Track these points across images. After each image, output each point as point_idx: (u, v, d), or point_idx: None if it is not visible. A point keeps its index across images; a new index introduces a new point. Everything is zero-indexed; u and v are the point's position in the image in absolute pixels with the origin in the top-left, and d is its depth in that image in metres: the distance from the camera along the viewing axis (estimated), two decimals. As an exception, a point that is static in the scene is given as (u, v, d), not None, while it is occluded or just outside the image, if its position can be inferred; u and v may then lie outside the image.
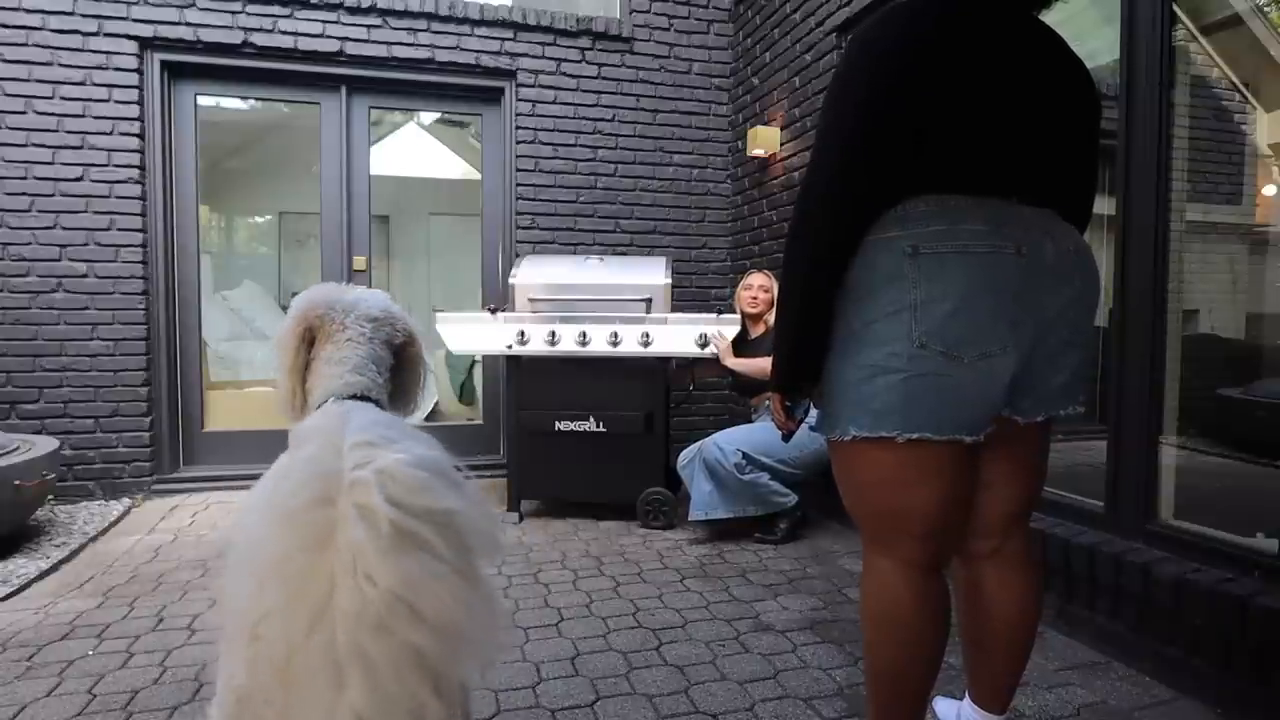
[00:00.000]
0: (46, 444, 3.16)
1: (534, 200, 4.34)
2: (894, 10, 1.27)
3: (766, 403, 2.96)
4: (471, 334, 3.38)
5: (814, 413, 1.38)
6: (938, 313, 1.17)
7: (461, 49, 4.16)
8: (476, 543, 0.71)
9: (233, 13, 3.84)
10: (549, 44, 4.30)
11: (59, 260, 3.66)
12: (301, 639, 0.64)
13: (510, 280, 3.54)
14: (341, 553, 0.64)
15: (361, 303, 1.34)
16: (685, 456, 3.23)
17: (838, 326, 1.26)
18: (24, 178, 3.60)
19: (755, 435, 3.15)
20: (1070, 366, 1.29)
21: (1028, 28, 1.30)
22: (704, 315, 3.46)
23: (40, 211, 3.63)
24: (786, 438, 1.43)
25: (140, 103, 3.75)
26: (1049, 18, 1.36)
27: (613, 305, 3.43)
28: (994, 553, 1.41)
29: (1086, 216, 1.41)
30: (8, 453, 2.93)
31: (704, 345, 3.40)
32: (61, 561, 2.84)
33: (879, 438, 1.22)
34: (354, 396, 1.28)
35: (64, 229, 3.66)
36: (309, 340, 1.31)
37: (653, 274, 3.53)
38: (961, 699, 1.56)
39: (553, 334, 3.34)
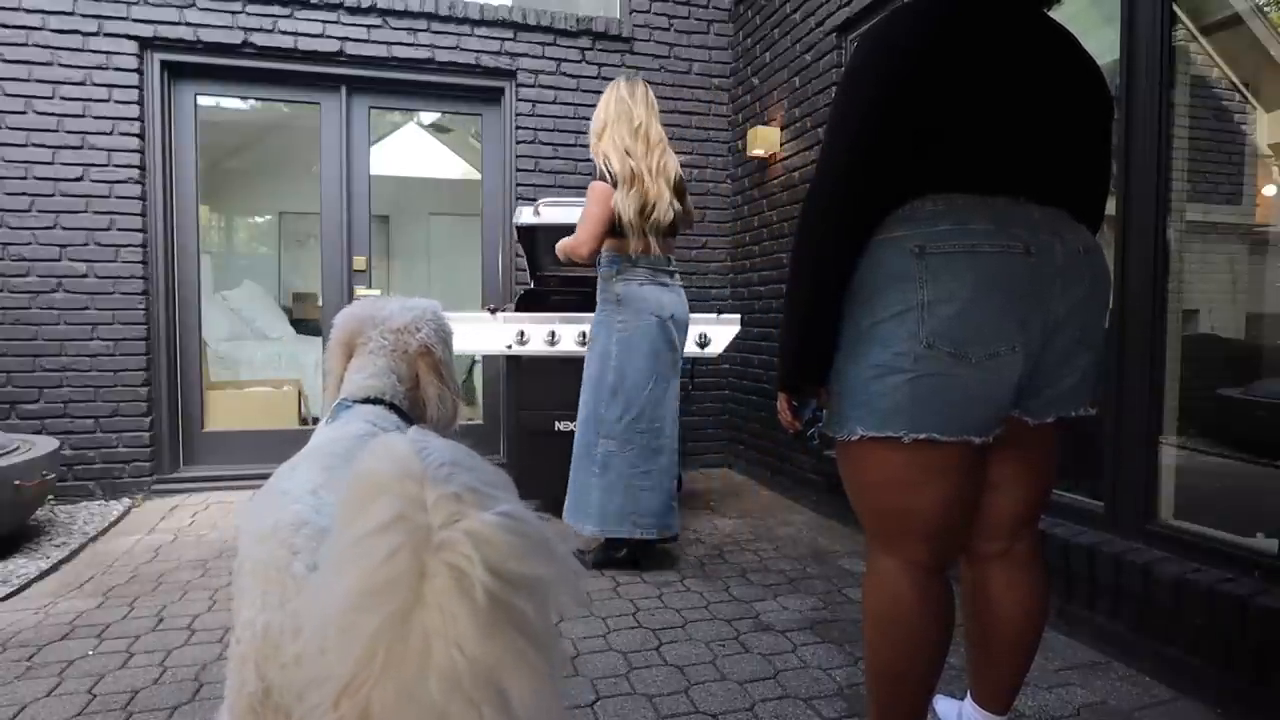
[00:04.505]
0: (46, 444, 3.16)
1: (534, 200, 4.33)
2: (901, 10, 1.27)
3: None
4: (471, 334, 3.38)
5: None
6: (945, 312, 1.16)
7: (461, 49, 4.16)
8: (562, 602, 0.69)
9: (233, 13, 3.84)
10: (549, 44, 4.30)
11: (59, 260, 3.66)
12: (409, 687, 0.62)
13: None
14: (431, 611, 0.62)
15: (394, 316, 1.42)
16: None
17: (845, 326, 1.26)
18: (24, 178, 3.60)
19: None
20: (1081, 367, 1.29)
21: (1037, 26, 1.29)
22: (704, 315, 3.46)
23: (40, 211, 3.63)
24: (798, 437, 1.42)
25: (140, 103, 3.75)
26: (1056, 16, 1.36)
27: (613, 305, 3.42)
28: (1002, 554, 1.40)
29: (1099, 216, 1.40)
30: (8, 453, 2.93)
31: (704, 345, 3.40)
32: (61, 561, 2.84)
33: (886, 437, 1.22)
34: (368, 400, 1.34)
35: (64, 229, 3.66)
36: (349, 353, 1.42)
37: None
38: (962, 699, 1.56)
39: (552, 334, 3.34)
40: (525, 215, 3.42)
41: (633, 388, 2.64)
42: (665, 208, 2.61)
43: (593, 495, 2.70)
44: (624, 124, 2.61)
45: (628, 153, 2.58)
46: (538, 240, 3.46)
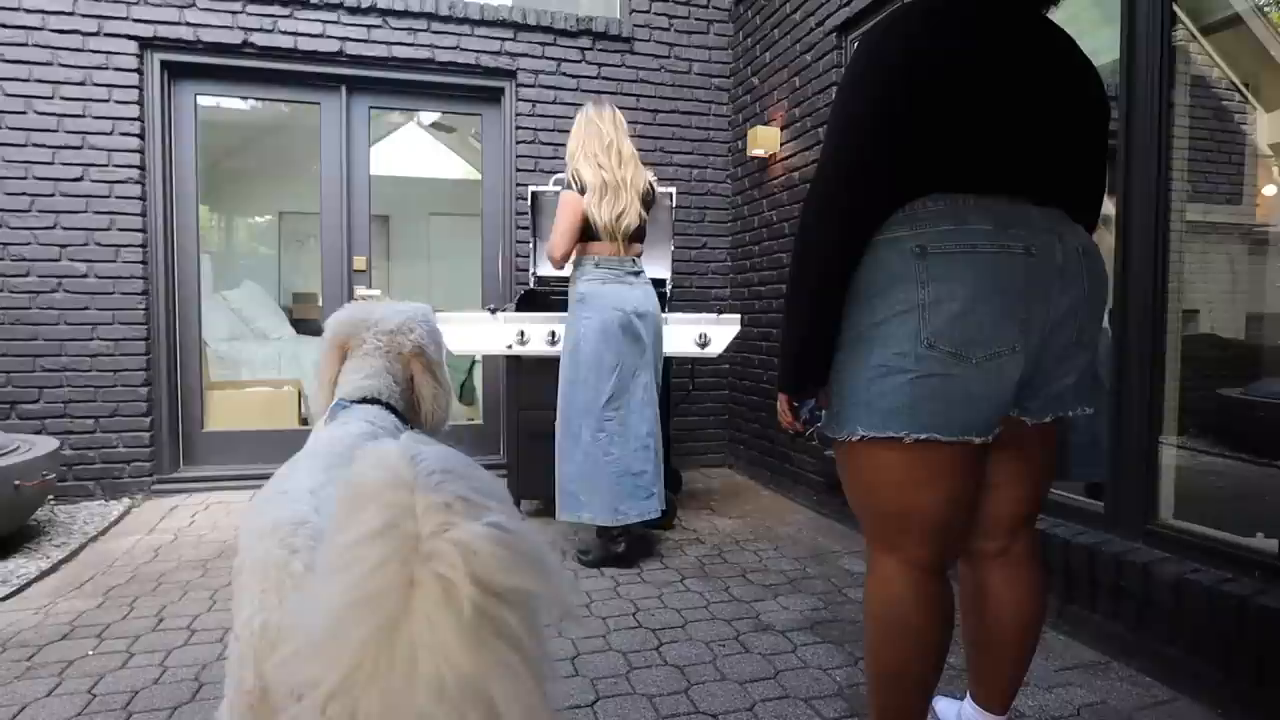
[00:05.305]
0: (46, 444, 3.16)
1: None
2: (901, 10, 1.27)
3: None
4: (471, 334, 3.38)
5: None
6: (946, 313, 1.16)
7: (461, 49, 4.16)
8: (551, 615, 0.69)
9: (233, 13, 3.84)
10: (549, 44, 4.30)
11: (59, 260, 3.66)
12: (395, 697, 0.62)
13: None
14: (418, 621, 0.62)
15: (386, 319, 1.46)
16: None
17: (846, 327, 1.26)
18: (24, 178, 3.60)
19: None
20: (1079, 367, 1.29)
21: (1036, 27, 1.30)
22: (704, 315, 3.46)
23: (40, 211, 3.63)
24: (798, 437, 1.43)
25: (140, 103, 3.75)
26: (1056, 16, 1.36)
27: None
28: (1000, 553, 1.41)
29: (1095, 217, 1.41)
30: (8, 453, 2.92)
31: (704, 345, 3.40)
32: (61, 561, 2.84)
33: (887, 438, 1.22)
34: (364, 400, 1.37)
35: (64, 229, 3.66)
36: (343, 355, 1.45)
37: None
38: (962, 699, 1.56)
39: (553, 334, 3.34)
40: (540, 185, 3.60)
41: (599, 377, 2.77)
42: (634, 215, 2.84)
43: (570, 486, 2.80)
44: (595, 141, 2.84)
45: (600, 166, 2.80)
46: (543, 212, 3.50)
